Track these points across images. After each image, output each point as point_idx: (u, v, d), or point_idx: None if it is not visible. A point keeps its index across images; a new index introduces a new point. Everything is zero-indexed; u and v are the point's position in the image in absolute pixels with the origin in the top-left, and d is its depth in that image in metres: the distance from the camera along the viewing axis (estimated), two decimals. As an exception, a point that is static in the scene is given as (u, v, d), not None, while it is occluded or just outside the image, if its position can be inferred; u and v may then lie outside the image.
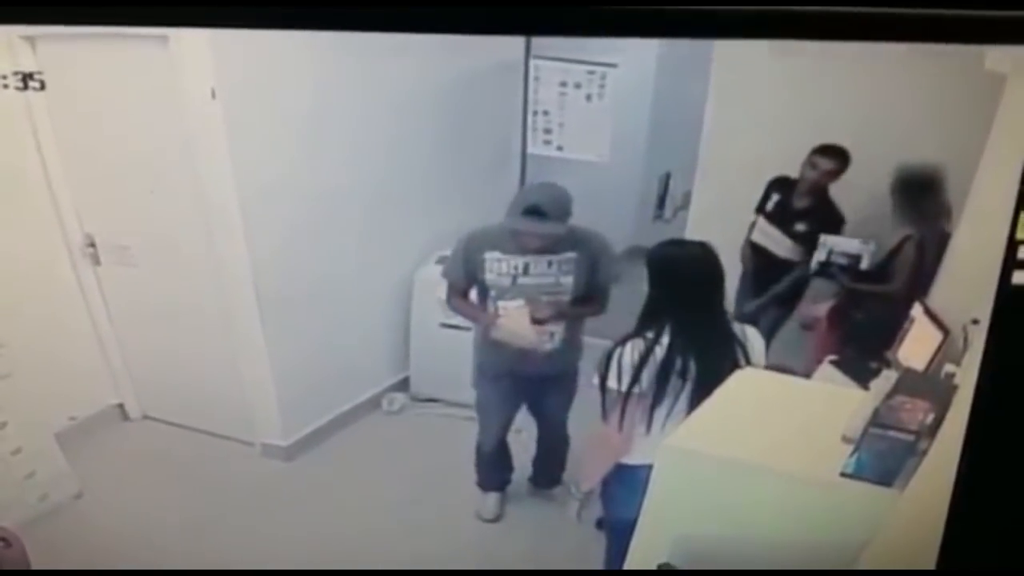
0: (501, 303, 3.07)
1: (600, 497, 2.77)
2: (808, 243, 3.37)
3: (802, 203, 3.37)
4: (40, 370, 3.24)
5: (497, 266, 3.03)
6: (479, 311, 3.16)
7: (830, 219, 3.33)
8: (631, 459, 2.56)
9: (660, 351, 2.50)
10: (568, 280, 3.04)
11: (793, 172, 3.33)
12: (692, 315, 2.52)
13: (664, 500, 2.14)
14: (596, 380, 2.61)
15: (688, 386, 2.49)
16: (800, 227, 3.38)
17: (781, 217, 3.42)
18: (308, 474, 3.68)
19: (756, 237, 3.45)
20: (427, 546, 3.23)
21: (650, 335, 2.52)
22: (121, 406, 3.86)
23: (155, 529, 3.20)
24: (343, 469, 3.68)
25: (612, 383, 2.53)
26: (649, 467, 2.17)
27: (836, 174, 3.27)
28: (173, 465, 3.62)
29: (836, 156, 3.25)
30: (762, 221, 3.45)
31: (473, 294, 3.17)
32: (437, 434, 3.86)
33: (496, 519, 3.43)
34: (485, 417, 3.34)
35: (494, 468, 3.44)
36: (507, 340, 3.08)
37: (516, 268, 3.02)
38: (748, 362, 2.55)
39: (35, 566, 2.38)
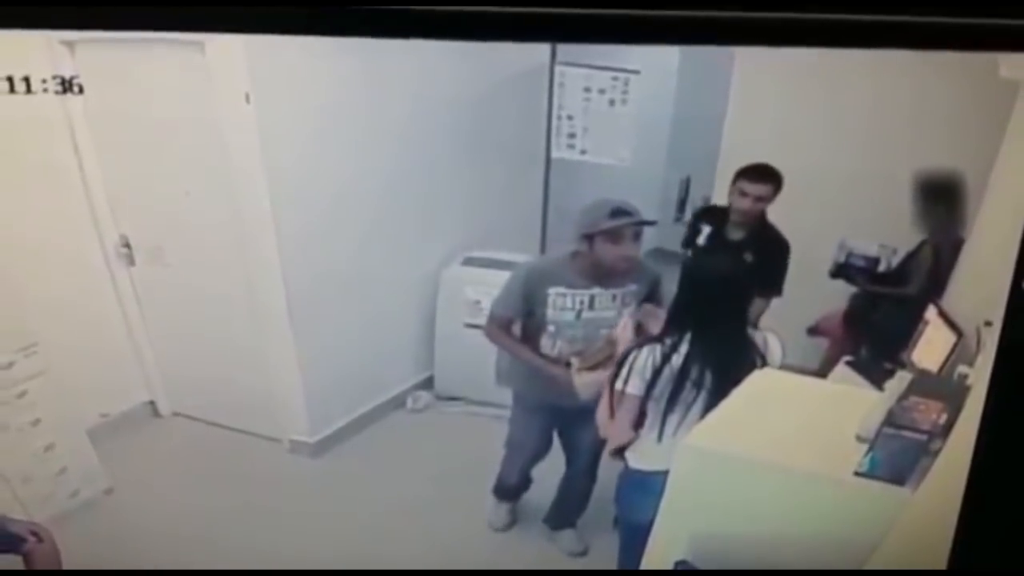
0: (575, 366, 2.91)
1: (614, 501, 2.75)
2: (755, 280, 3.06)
3: (738, 235, 3.15)
4: (73, 368, 3.32)
5: (561, 301, 2.90)
6: (525, 351, 2.99)
7: (773, 249, 3.10)
8: (644, 465, 2.52)
9: (677, 359, 2.43)
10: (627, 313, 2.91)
11: (816, 181, 3.23)
12: (715, 324, 2.44)
13: (682, 498, 2.15)
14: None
15: (703, 395, 2.43)
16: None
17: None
18: (334, 470, 3.73)
19: None
20: (448, 545, 3.27)
21: (668, 341, 2.45)
22: (152, 403, 3.95)
23: (184, 525, 3.25)
24: (368, 466, 3.73)
25: (619, 385, 2.47)
26: (662, 473, 2.18)
27: (769, 198, 3.05)
28: (202, 461, 3.68)
29: (765, 178, 3.03)
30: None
31: (516, 326, 3.03)
32: (460, 432, 3.91)
33: (507, 528, 3.39)
34: (515, 452, 3.25)
35: (512, 491, 3.37)
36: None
37: (581, 303, 2.90)
38: None
39: (66, 561, 2.40)
